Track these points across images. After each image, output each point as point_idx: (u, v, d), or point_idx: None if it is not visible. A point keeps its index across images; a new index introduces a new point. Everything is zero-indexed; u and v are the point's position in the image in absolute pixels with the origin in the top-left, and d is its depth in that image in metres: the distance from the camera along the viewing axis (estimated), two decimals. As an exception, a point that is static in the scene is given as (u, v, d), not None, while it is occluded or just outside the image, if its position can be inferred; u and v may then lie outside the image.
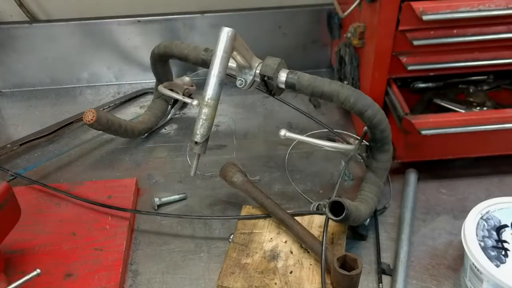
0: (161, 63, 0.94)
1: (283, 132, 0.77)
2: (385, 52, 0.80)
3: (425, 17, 0.74)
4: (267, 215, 0.77)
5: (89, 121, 0.82)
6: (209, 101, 0.68)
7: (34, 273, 0.63)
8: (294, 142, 0.95)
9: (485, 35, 0.78)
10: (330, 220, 0.69)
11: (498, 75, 0.93)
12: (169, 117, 1.04)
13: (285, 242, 0.74)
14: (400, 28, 0.77)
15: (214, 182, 0.88)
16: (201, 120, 0.69)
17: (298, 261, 0.71)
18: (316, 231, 0.74)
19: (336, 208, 0.65)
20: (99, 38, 1.09)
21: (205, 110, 0.68)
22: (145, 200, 0.85)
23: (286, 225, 0.73)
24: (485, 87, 0.93)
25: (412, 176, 0.85)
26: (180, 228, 0.80)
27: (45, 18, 1.12)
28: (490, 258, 0.63)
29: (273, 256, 0.72)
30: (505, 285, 0.61)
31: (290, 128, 1.00)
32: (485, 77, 0.93)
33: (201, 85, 1.08)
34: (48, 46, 1.09)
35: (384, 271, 0.72)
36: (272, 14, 1.09)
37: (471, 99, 0.92)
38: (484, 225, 0.67)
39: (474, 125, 0.77)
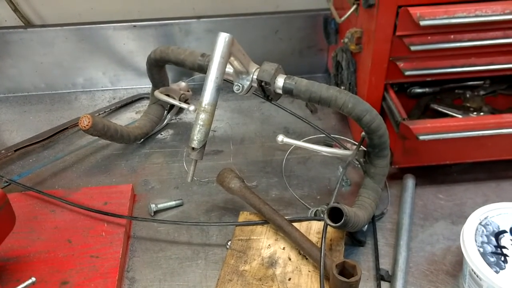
0: (157, 68, 0.93)
1: (280, 138, 0.77)
2: (382, 57, 0.80)
3: (422, 23, 0.74)
4: (265, 221, 0.76)
5: (85, 127, 0.81)
6: (206, 106, 0.68)
7: (29, 281, 0.63)
8: (291, 148, 0.95)
9: (482, 40, 0.79)
10: (328, 226, 0.69)
11: (494, 80, 0.93)
12: (165, 122, 1.03)
13: (283, 248, 0.73)
14: (397, 33, 0.77)
15: (211, 188, 0.87)
16: (198, 126, 0.68)
17: (297, 267, 0.70)
18: (314, 237, 0.74)
19: (335, 214, 0.65)
20: (94, 43, 1.08)
21: (202, 116, 0.68)
22: (141, 206, 0.84)
23: (284, 231, 0.73)
24: (482, 92, 0.93)
25: (409, 182, 0.84)
26: (177, 234, 0.79)
27: (40, 23, 1.11)
28: (489, 264, 0.63)
29: (271, 263, 0.71)
30: (504, 291, 0.61)
31: (287, 133, 1.00)
32: (481, 82, 0.94)
33: (197, 90, 1.09)
34: (43, 51, 1.08)
35: (382, 277, 0.71)
36: (268, 19, 1.08)
37: (468, 104, 0.92)
38: (482, 231, 0.67)
39: (472, 131, 0.77)
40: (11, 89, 1.13)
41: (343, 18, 0.87)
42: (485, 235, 0.67)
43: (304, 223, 0.77)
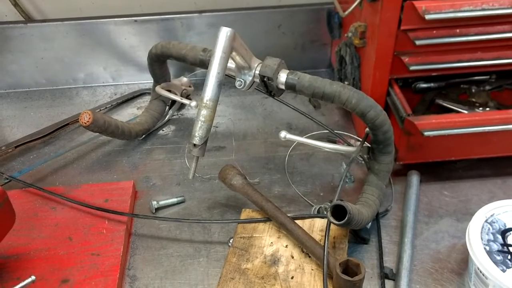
0: (158, 63, 0.92)
1: (283, 134, 0.76)
2: (386, 52, 0.79)
3: (427, 16, 0.72)
4: (267, 218, 0.75)
5: (85, 123, 0.80)
6: (207, 102, 0.67)
7: (29, 279, 0.62)
8: (294, 144, 0.94)
9: (488, 34, 0.77)
10: (331, 224, 0.68)
11: (500, 75, 0.92)
12: (167, 118, 1.02)
13: (286, 246, 0.72)
14: (402, 27, 0.76)
15: (213, 185, 0.86)
16: (199, 122, 0.67)
17: (300, 266, 0.69)
18: (317, 235, 0.73)
19: (338, 212, 0.64)
20: (95, 38, 1.07)
21: (204, 112, 0.67)
22: (142, 203, 0.84)
23: (286, 229, 0.72)
24: (487, 87, 0.92)
25: (414, 178, 0.83)
26: (179, 232, 0.79)
27: (41, 18, 1.10)
28: (495, 262, 0.62)
29: (274, 261, 0.70)
30: (511, 290, 0.60)
31: (290, 129, 0.98)
32: (487, 77, 0.93)
33: (199, 86, 1.08)
34: (43, 46, 1.07)
35: (387, 275, 0.70)
36: (271, 14, 1.07)
37: (473, 100, 0.91)
38: (489, 229, 0.66)
39: (478, 126, 0.76)
40: (11, 84, 1.13)
41: (346, 12, 0.86)
42: (491, 233, 0.65)
43: (307, 221, 0.76)
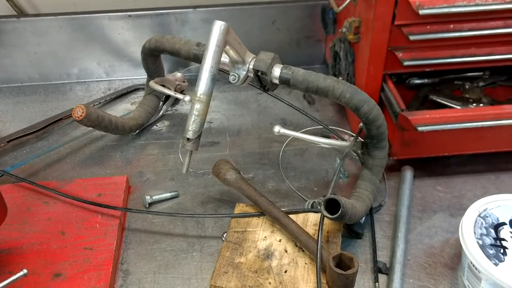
0: (152, 58, 0.92)
1: (277, 129, 0.76)
2: (380, 47, 0.79)
3: (421, 12, 0.72)
4: (261, 213, 0.75)
5: (78, 117, 0.80)
6: (201, 96, 0.67)
7: (21, 273, 0.61)
8: (288, 139, 0.94)
9: (482, 30, 0.78)
10: (325, 218, 0.68)
11: (494, 71, 0.93)
12: (160, 113, 1.02)
13: (280, 240, 0.72)
14: (396, 22, 0.76)
15: (206, 180, 0.86)
16: (193, 116, 0.67)
17: (293, 260, 0.69)
18: (311, 229, 0.73)
19: (332, 206, 0.64)
20: (89, 33, 1.07)
21: (197, 106, 0.67)
22: (136, 198, 0.83)
23: (280, 223, 0.72)
24: (481, 84, 0.93)
25: (408, 173, 0.83)
26: (172, 226, 0.78)
27: (34, 12, 1.10)
28: (488, 256, 0.62)
29: (267, 255, 0.70)
30: (504, 284, 0.60)
31: (284, 125, 0.98)
32: (481, 73, 0.93)
33: (193, 81, 1.07)
34: (36, 41, 1.07)
35: (380, 270, 0.71)
36: (265, 9, 1.07)
37: (467, 96, 0.91)
38: (481, 223, 0.66)
39: (471, 122, 0.76)
40: (4, 79, 1.12)
41: (341, 8, 0.86)
42: (484, 227, 0.66)
43: (301, 215, 0.76)
